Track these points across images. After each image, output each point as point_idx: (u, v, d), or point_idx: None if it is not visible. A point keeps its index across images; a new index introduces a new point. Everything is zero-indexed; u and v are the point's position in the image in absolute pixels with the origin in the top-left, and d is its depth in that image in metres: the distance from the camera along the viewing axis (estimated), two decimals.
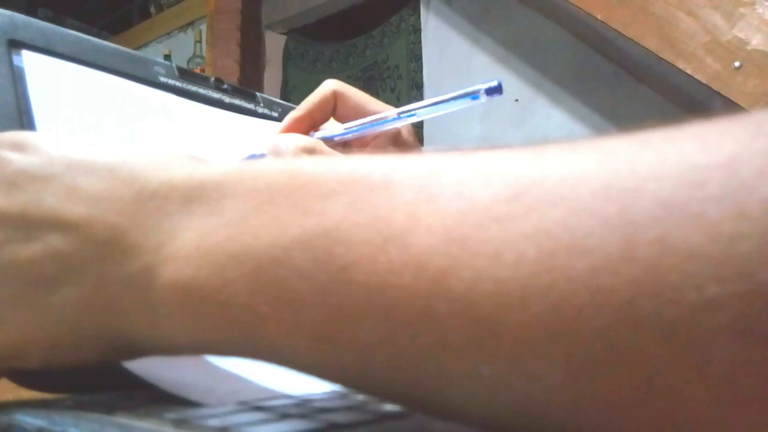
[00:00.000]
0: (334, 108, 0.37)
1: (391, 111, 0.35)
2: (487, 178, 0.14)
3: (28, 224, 0.20)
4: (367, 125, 0.35)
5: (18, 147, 0.21)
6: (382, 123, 0.35)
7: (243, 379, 0.25)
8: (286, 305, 0.16)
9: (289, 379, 0.19)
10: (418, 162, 0.16)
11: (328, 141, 0.36)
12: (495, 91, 0.31)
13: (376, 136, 0.37)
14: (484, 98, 0.31)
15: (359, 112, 0.37)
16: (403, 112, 0.34)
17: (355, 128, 0.35)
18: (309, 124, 0.37)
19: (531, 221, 0.13)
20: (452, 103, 0.32)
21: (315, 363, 0.17)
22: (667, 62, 0.93)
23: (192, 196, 0.19)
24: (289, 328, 0.16)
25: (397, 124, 0.35)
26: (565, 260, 0.12)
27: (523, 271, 0.13)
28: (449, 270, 0.14)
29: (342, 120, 0.38)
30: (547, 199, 0.13)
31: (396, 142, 0.38)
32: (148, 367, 0.23)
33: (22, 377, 0.22)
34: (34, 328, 0.20)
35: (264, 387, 0.25)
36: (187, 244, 0.18)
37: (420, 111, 0.34)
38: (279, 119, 0.43)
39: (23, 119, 0.29)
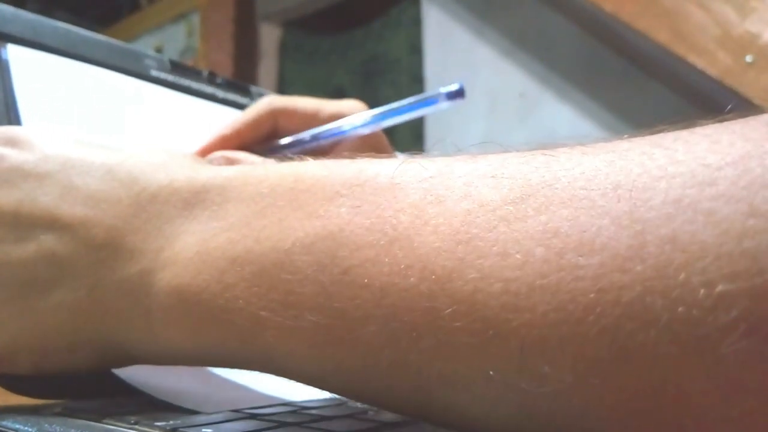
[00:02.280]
0: (273, 127, 0.34)
1: (341, 122, 0.33)
2: (495, 180, 0.15)
3: (22, 223, 0.20)
4: (321, 135, 0.33)
5: (11, 143, 0.21)
6: (335, 134, 0.33)
7: (240, 386, 0.25)
8: (287, 309, 0.16)
9: (287, 387, 0.20)
10: (424, 164, 0.16)
11: (278, 153, 0.33)
12: (457, 95, 0.30)
13: (336, 144, 0.34)
14: (444, 104, 0.30)
15: (312, 123, 0.34)
16: (355, 126, 0.32)
17: (308, 139, 0.33)
18: (236, 143, 0.34)
19: (540, 221, 0.13)
20: (410, 110, 0.31)
21: (315, 369, 0.17)
22: (678, 56, 0.93)
23: (194, 201, 0.19)
24: (289, 332, 0.16)
25: (352, 134, 0.33)
26: (574, 259, 0.13)
27: (531, 271, 0.13)
28: (455, 271, 0.14)
29: (294, 128, 0.35)
30: (556, 199, 0.14)
31: (373, 147, 0.36)
32: (141, 375, 0.23)
33: (11, 382, 0.22)
34: (26, 332, 0.20)
35: (262, 394, 0.25)
36: (187, 249, 0.18)
37: (371, 121, 0.32)
38: None
39: (10, 115, 0.29)
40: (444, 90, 0.30)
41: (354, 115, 0.33)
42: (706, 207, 0.12)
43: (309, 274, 0.16)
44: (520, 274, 0.13)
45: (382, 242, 0.15)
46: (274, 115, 0.34)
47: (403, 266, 0.15)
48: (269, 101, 0.34)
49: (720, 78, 0.90)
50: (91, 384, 0.23)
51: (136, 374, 0.23)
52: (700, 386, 0.11)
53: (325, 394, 0.24)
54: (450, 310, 0.14)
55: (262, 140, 0.35)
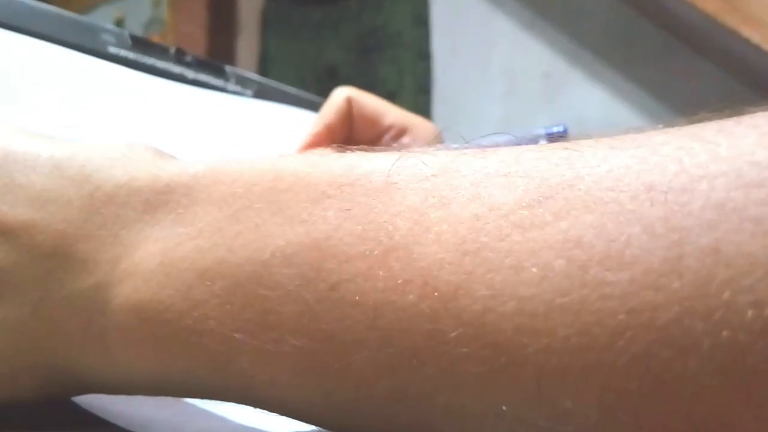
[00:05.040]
0: (350, 118, 0.40)
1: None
2: (508, 179, 0.15)
3: None
4: None
5: None
6: None
7: (215, 415, 0.26)
8: (266, 331, 0.16)
9: (268, 417, 0.20)
10: (426, 160, 0.16)
11: None
12: (559, 138, 0.33)
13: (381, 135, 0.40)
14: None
15: (375, 125, 0.39)
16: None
17: None
18: (329, 140, 0.39)
19: (560, 229, 0.13)
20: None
21: (299, 401, 0.17)
22: (729, 29, 0.93)
23: (157, 202, 0.19)
24: (268, 358, 0.16)
25: None
26: (600, 274, 0.13)
27: (550, 288, 0.13)
28: (461, 287, 0.14)
29: (357, 132, 0.40)
30: (579, 202, 0.14)
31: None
32: (100, 400, 0.23)
33: None
34: None
35: (240, 425, 0.25)
36: (149, 259, 0.18)
37: None
38: (254, 98, 0.43)
39: None
40: (545, 131, 0.33)
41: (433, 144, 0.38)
42: (754, 213, 0.12)
43: (291, 289, 0.16)
44: (537, 291, 0.13)
45: (375, 252, 0.15)
46: (350, 103, 0.39)
47: (400, 281, 0.15)
48: (343, 90, 0.40)
49: None
50: (41, 413, 0.23)
51: (94, 400, 0.23)
52: (749, 425, 0.12)
53: (311, 426, 0.24)
54: (455, 333, 0.14)
55: (347, 133, 0.40)
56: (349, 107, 0.39)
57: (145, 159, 0.20)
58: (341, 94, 0.40)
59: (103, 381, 0.20)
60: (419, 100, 1.56)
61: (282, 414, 0.18)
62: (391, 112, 0.40)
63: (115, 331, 0.18)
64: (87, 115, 0.34)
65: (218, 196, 0.18)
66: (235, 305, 0.17)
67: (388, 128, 0.40)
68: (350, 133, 0.40)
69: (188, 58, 0.40)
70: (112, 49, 0.37)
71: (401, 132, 0.40)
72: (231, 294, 0.17)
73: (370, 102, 0.40)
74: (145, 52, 0.38)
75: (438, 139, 0.41)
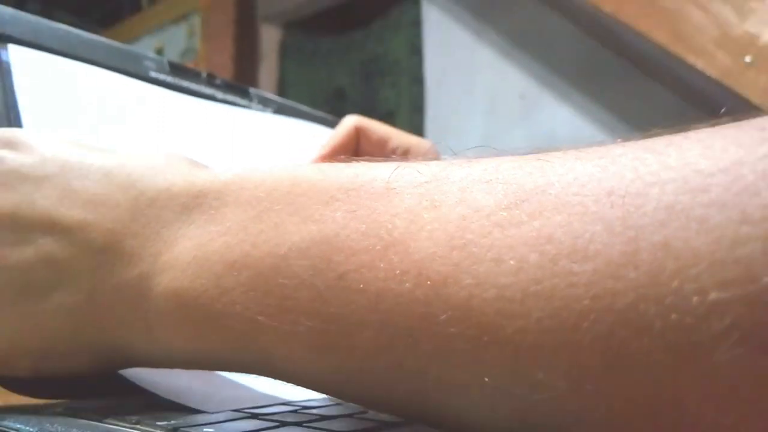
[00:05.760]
0: (357, 145, 0.39)
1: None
2: (489, 185, 0.15)
3: (20, 226, 0.20)
4: None
5: (10, 145, 0.21)
6: None
7: (241, 385, 0.26)
8: (284, 314, 0.16)
9: (288, 386, 0.20)
10: (420, 169, 0.16)
11: None
12: None
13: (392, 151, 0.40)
14: None
15: (382, 148, 0.39)
16: None
17: None
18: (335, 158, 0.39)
19: (533, 227, 0.13)
20: None
21: (312, 373, 0.17)
22: (677, 57, 0.93)
23: (192, 205, 0.19)
24: (286, 337, 0.16)
25: None
26: (568, 265, 0.13)
27: (525, 277, 0.13)
28: (450, 276, 0.14)
29: (366, 155, 0.40)
30: (550, 204, 0.14)
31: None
32: (143, 373, 0.23)
33: (12, 382, 0.22)
34: (24, 335, 0.20)
35: (263, 393, 0.25)
36: (185, 253, 0.18)
37: None
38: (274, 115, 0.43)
39: (10, 116, 0.29)
40: None
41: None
42: (699, 214, 0.12)
43: (305, 279, 0.16)
44: (515, 280, 0.13)
45: (377, 247, 0.15)
46: (358, 132, 0.39)
47: (398, 271, 0.15)
48: (354, 120, 0.39)
49: (719, 78, 0.90)
50: (93, 383, 0.23)
51: (138, 373, 0.23)
52: (694, 394, 0.12)
53: (322, 395, 0.24)
54: (445, 316, 0.14)
55: (352, 152, 0.39)
56: (357, 133, 0.39)
57: (181, 168, 0.20)
58: (351, 122, 0.39)
59: (146, 356, 0.20)
60: (414, 118, 1.56)
61: (297, 384, 0.18)
62: (394, 136, 0.40)
63: (156, 315, 0.18)
64: (131, 130, 0.34)
65: (244, 199, 0.18)
66: (257, 292, 0.17)
67: (393, 150, 0.40)
68: (357, 154, 0.40)
69: (218, 81, 0.40)
70: (153, 74, 0.37)
71: (404, 153, 0.40)
72: (254, 282, 0.17)
73: (377, 128, 0.40)
74: (181, 76, 0.38)
75: (434, 153, 0.41)
